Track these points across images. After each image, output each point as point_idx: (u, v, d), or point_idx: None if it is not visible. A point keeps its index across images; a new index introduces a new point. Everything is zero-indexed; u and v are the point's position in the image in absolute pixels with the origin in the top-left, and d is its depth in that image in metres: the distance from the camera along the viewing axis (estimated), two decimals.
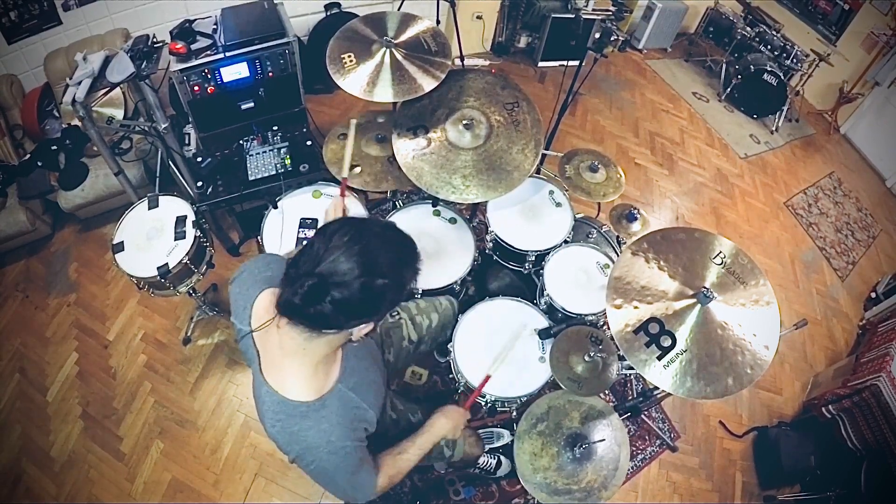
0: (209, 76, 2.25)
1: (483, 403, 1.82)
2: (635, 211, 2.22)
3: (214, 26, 2.29)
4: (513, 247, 2.07)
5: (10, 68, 2.80)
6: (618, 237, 2.36)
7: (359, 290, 0.86)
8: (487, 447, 2.16)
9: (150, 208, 2.03)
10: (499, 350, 1.54)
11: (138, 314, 2.66)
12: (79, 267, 2.84)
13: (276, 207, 2.11)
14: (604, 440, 1.62)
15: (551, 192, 2.28)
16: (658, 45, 5.09)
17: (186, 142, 2.55)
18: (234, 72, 2.29)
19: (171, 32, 2.21)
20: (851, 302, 3.46)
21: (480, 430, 2.24)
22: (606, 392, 2.52)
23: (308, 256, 0.88)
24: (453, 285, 2.02)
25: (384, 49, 1.98)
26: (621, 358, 1.72)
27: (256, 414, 1.06)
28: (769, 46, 4.50)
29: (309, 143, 2.42)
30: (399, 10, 2.39)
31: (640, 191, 3.71)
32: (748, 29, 4.61)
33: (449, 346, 1.84)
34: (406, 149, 1.95)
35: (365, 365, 1.22)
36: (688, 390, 1.40)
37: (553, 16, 4.13)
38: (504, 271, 2.34)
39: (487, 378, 1.55)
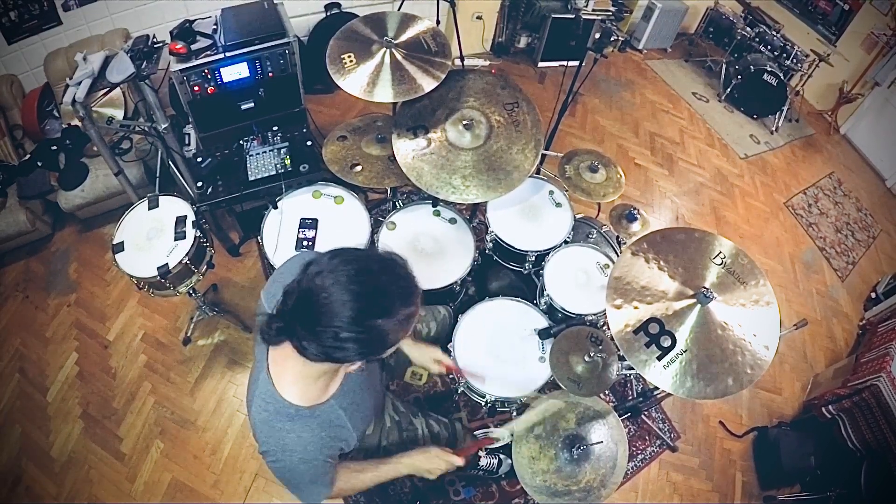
0: (209, 76, 2.25)
1: (483, 403, 1.83)
2: (635, 211, 2.22)
3: (214, 26, 2.29)
4: (513, 247, 2.08)
5: (10, 68, 2.79)
6: (618, 237, 2.36)
7: (332, 338, 0.82)
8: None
9: (150, 208, 2.03)
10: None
11: (138, 314, 2.66)
12: (79, 267, 2.84)
13: (276, 208, 2.12)
14: (601, 441, 1.62)
15: (551, 192, 2.28)
16: (658, 46, 5.08)
17: (186, 142, 2.56)
18: (234, 72, 2.29)
19: (171, 32, 2.21)
20: (851, 302, 3.45)
21: (479, 431, 2.24)
22: (606, 392, 2.52)
23: (289, 293, 0.87)
24: (453, 286, 2.02)
25: (384, 49, 1.98)
26: (621, 358, 1.72)
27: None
28: (769, 46, 4.50)
29: (309, 143, 2.42)
30: (399, 10, 2.39)
31: (640, 191, 3.71)
32: (748, 29, 4.61)
33: (449, 346, 1.84)
34: (406, 149, 1.95)
35: (362, 388, 1.21)
36: (688, 390, 1.40)
37: (553, 16, 4.13)
38: (504, 271, 2.35)
39: (490, 441, 1.56)
